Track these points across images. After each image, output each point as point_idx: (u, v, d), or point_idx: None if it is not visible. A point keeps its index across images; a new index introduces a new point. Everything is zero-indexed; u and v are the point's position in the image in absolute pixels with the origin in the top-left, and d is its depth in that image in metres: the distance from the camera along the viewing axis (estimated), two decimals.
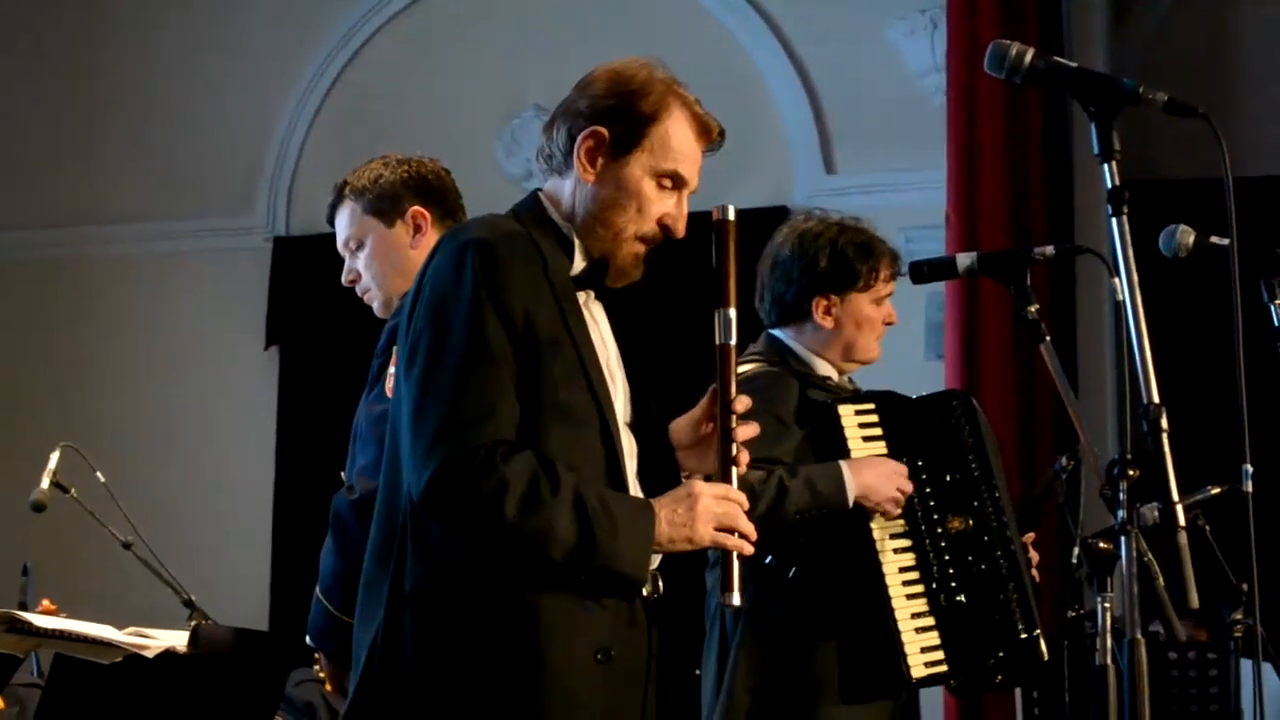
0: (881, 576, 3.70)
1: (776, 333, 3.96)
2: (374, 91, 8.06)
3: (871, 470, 3.70)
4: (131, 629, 3.83)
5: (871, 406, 3.84)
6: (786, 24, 7.55)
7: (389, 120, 7.82)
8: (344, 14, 8.13)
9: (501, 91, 7.82)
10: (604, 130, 2.82)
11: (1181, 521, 2.44)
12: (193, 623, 4.41)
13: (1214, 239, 3.49)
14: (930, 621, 3.74)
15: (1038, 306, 3.28)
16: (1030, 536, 4.03)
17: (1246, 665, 4.26)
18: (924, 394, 3.98)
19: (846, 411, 3.80)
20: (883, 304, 3.95)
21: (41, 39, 8.50)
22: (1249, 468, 2.83)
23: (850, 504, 3.67)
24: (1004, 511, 3.84)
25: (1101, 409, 6.51)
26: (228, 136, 8.22)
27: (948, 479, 3.82)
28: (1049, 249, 3.36)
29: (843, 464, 3.69)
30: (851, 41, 7.41)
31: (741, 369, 3.82)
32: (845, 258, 3.88)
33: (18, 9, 8.55)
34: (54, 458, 5.00)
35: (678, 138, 2.84)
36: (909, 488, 3.73)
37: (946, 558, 3.77)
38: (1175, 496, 2.44)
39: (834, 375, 3.94)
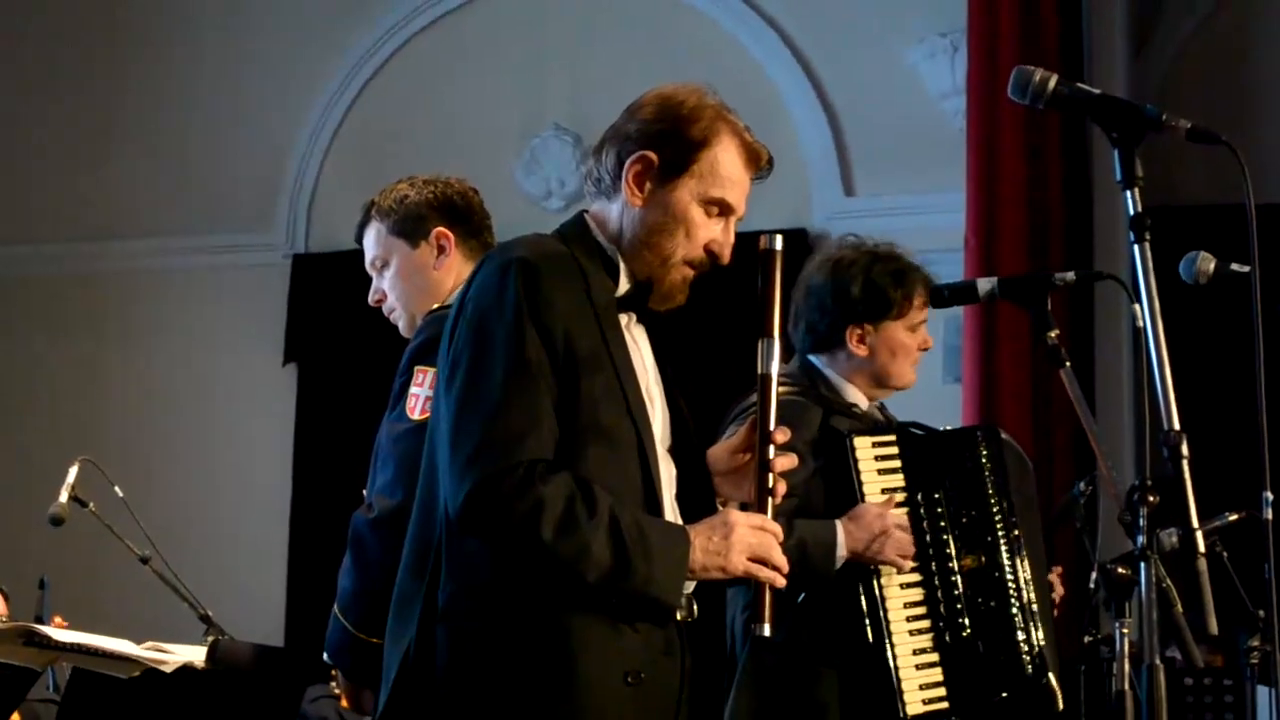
0: (885, 611, 3.68)
1: (811, 358, 3.94)
2: (393, 110, 8.08)
3: (865, 531, 3.63)
4: (149, 644, 3.83)
5: (892, 438, 3.80)
6: (806, 45, 7.57)
7: (408, 139, 7.84)
8: (364, 32, 8.16)
9: (520, 111, 7.84)
10: (653, 155, 2.81)
11: (1201, 548, 2.43)
12: (209, 638, 4.41)
13: (1235, 266, 3.48)
14: (934, 658, 3.69)
15: (1058, 331, 3.28)
16: (1058, 570, 4.01)
17: (1263, 692, 4.24)
18: (949, 428, 3.95)
19: (863, 444, 3.76)
20: (917, 330, 3.92)
21: (61, 55, 8.54)
22: (1269, 495, 2.82)
23: (836, 568, 3.63)
24: (1020, 550, 3.79)
25: (1118, 434, 6.50)
26: (247, 153, 8.25)
27: (964, 516, 3.78)
28: (1070, 274, 3.35)
29: (839, 527, 3.64)
30: (871, 64, 7.43)
31: None
32: (878, 286, 3.84)
33: (39, 25, 8.59)
34: (73, 471, 5.01)
35: (726, 164, 2.82)
36: (907, 546, 3.69)
37: (955, 593, 3.73)
38: (1195, 523, 2.43)
39: (862, 402, 3.92)
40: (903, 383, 3.94)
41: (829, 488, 3.74)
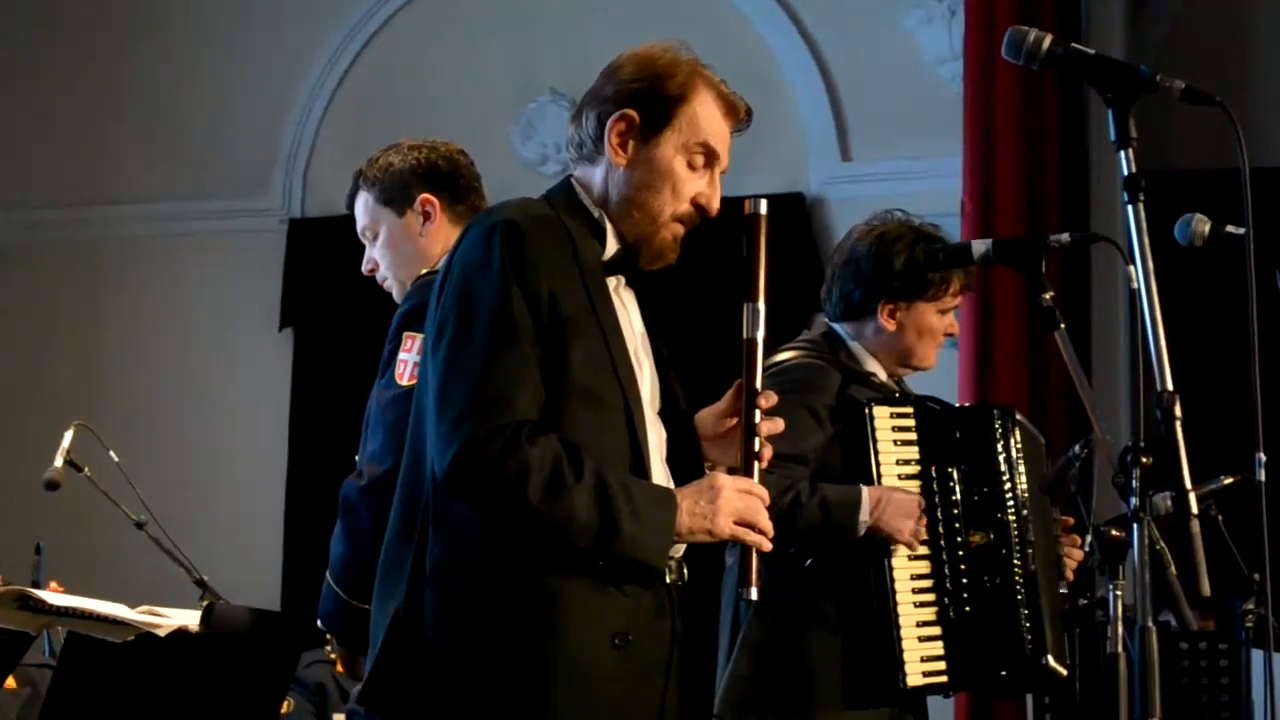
0: (892, 581, 3.70)
1: (836, 326, 3.97)
2: (389, 75, 8.06)
3: (889, 506, 3.68)
4: (144, 608, 3.84)
5: (909, 410, 3.83)
6: (803, 10, 7.55)
7: (404, 104, 7.82)
8: None
9: (517, 76, 7.82)
10: (633, 113, 2.83)
11: (1194, 510, 2.44)
12: (204, 603, 4.42)
13: (1229, 228, 3.47)
14: (936, 631, 3.73)
15: (1052, 294, 3.28)
16: (1073, 540, 4.02)
17: (1258, 655, 4.25)
18: (965, 405, 3.97)
19: (881, 413, 3.78)
20: (947, 315, 3.95)
21: (59, 21, 8.51)
22: (1262, 456, 2.82)
23: (859, 535, 3.67)
24: (1029, 529, 3.81)
25: (1115, 397, 6.50)
26: (243, 119, 8.23)
27: (975, 493, 3.81)
28: (1065, 236, 3.35)
29: (864, 493, 3.68)
30: (868, 28, 7.40)
31: (784, 356, 3.84)
32: (919, 267, 3.85)
33: None
34: (68, 436, 5.01)
35: (706, 117, 2.85)
36: (923, 531, 3.71)
37: (962, 568, 3.76)
38: (1188, 484, 2.43)
39: (881, 374, 3.94)
40: (924, 364, 3.98)
41: (845, 454, 3.77)
